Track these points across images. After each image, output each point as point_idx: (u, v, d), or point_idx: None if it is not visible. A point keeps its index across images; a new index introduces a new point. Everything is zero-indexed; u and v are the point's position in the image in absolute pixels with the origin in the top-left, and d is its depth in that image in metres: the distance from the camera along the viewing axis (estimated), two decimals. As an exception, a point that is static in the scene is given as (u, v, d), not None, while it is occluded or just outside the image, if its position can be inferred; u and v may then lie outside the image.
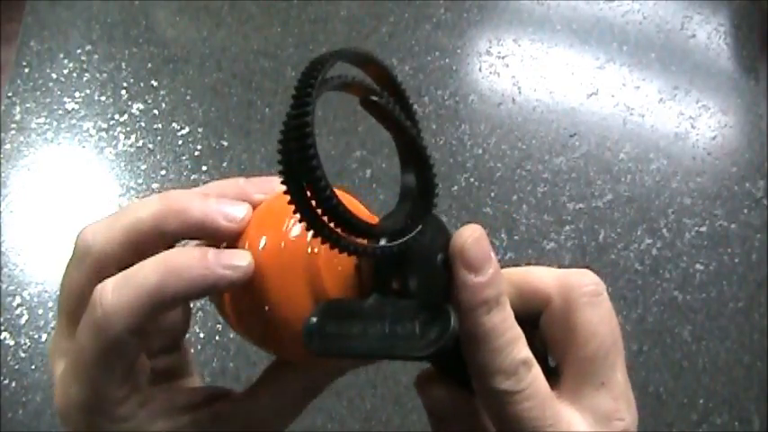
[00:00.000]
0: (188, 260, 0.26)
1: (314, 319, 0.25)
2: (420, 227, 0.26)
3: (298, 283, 0.26)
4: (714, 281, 0.69)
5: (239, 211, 0.27)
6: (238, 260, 0.26)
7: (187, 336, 0.70)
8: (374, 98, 0.24)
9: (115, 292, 0.26)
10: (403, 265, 0.26)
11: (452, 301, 0.26)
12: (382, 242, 0.25)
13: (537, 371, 0.29)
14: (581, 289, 0.30)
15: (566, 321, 0.30)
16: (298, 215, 0.22)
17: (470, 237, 0.27)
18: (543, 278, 0.31)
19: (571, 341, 0.30)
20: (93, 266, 0.27)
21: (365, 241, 0.24)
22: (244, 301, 0.27)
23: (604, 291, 0.30)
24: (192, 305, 0.71)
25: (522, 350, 0.29)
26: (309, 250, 0.25)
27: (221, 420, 0.29)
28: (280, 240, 0.26)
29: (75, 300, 0.28)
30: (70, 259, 0.28)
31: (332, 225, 0.23)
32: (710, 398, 0.64)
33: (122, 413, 0.27)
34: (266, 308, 0.26)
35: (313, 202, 0.22)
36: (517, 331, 0.29)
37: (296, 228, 0.26)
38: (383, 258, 0.25)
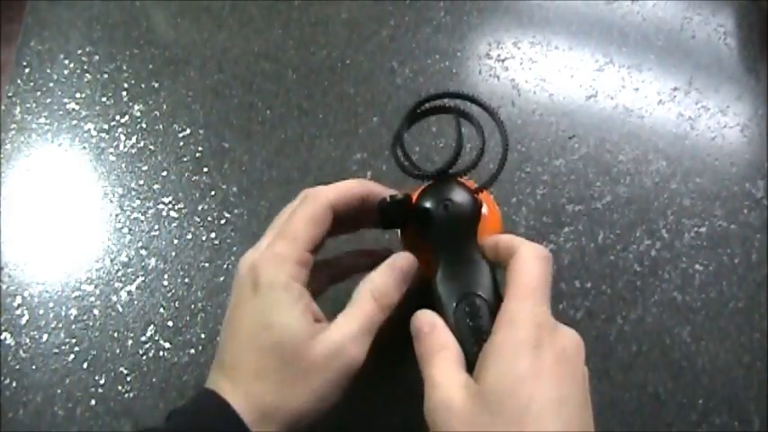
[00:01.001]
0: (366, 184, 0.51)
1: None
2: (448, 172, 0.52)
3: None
4: (714, 281, 0.69)
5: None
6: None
7: (188, 336, 0.69)
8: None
9: (325, 187, 0.49)
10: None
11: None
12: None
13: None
14: (534, 251, 0.45)
15: (511, 266, 0.45)
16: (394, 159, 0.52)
17: None
18: (516, 241, 0.46)
19: (511, 277, 0.44)
20: (316, 205, 0.48)
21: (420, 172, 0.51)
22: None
23: (550, 259, 0.45)
24: (194, 306, 0.71)
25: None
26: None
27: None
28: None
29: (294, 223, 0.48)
30: (299, 202, 0.49)
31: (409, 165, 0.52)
32: (710, 398, 0.64)
33: (307, 258, 0.47)
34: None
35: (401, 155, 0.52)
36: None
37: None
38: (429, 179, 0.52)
